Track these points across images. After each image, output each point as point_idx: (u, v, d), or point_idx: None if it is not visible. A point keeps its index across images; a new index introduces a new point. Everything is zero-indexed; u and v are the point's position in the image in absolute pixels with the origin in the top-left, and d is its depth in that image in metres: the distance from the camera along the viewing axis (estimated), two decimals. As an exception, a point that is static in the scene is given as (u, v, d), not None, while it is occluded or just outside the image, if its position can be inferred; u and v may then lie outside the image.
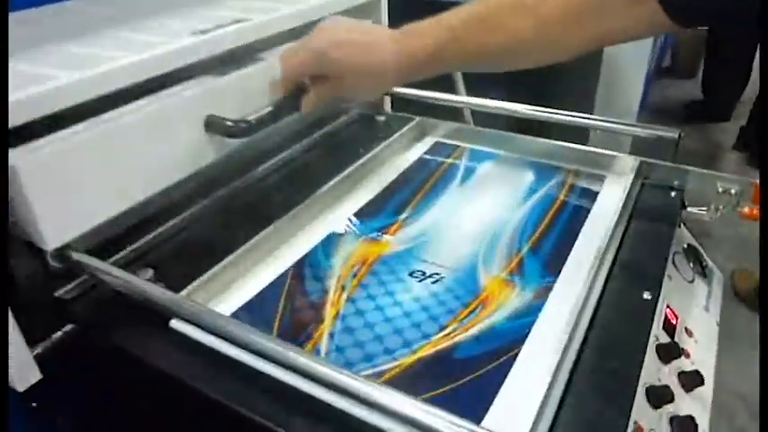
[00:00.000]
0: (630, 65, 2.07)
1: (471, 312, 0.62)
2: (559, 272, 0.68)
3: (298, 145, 0.93)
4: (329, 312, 0.63)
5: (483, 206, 0.81)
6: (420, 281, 0.67)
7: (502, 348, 0.58)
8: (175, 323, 0.57)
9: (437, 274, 0.68)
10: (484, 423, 0.51)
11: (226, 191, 0.81)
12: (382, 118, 1.02)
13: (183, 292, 0.61)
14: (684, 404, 0.63)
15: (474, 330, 0.60)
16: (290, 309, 0.63)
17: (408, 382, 0.54)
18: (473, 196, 0.84)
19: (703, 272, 0.84)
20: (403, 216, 0.79)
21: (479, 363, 0.56)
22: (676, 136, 0.81)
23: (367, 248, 0.73)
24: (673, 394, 0.60)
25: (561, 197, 0.82)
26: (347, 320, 0.62)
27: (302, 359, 0.49)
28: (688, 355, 0.69)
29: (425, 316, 0.62)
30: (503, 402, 0.53)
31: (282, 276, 0.68)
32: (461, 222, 0.78)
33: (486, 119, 1.00)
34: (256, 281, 0.68)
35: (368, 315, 0.62)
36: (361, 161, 0.87)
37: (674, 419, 0.61)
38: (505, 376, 0.55)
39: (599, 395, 0.53)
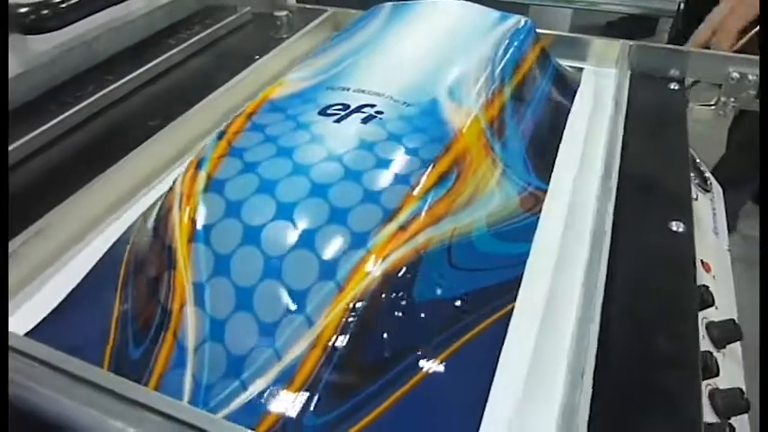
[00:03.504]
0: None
1: (443, 178, 0.36)
2: (548, 177, 0.47)
3: (163, 55, 0.65)
4: (179, 233, 0.35)
5: (429, 38, 0.53)
6: (339, 119, 0.39)
7: (488, 292, 0.36)
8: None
9: (371, 106, 0.41)
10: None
11: (44, 126, 0.53)
12: (283, 13, 0.75)
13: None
14: (722, 369, 0.46)
15: (443, 232, 0.35)
16: (134, 281, 0.37)
17: (329, 380, 0.31)
18: (411, 30, 0.54)
19: (705, 186, 0.66)
20: (310, 57, 0.51)
21: (454, 319, 0.34)
22: (675, 7, 0.60)
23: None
24: (717, 364, 0.43)
25: (530, 59, 0.55)
26: (214, 235, 0.34)
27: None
28: (713, 300, 0.51)
29: (357, 193, 0.34)
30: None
31: (126, 239, 0.42)
32: (404, 48, 0.51)
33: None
34: (84, 256, 0.42)
35: (247, 211, 0.34)
36: (244, 73, 0.60)
37: (715, 394, 0.43)
38: (497, 358, 0.33)
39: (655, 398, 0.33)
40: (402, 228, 0.33)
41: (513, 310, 0.36)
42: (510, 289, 0.37)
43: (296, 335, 0.32)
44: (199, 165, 0.38)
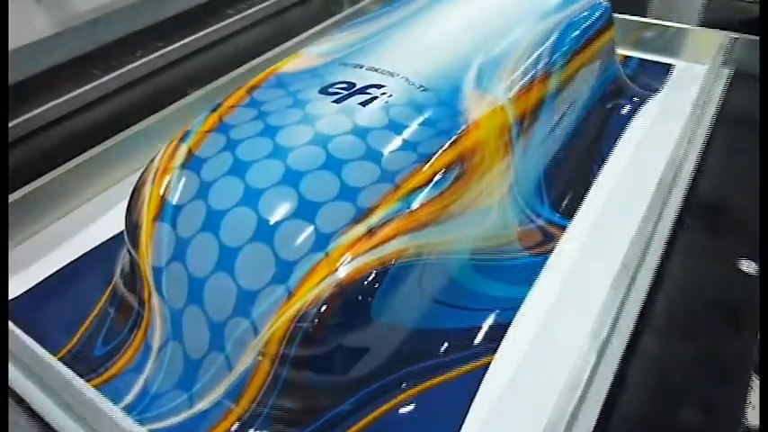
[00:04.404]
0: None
1: (438, 179, 0.30)
2: (572, 210, 0.39)
3: (216, 25, 0.64)
4: (146, 210, 0.31)
5: (477, 16, 0.45)
6: (340, 99, 0.34)
7: (459, 336, 0.30)
8: None
9: (378, 86, 0.35)
10: None
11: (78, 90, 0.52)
12: (346, -11, 0.72)
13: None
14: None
15: (419, 245, 0.29)
16: (126, 264, 0.35)
17: (273, 407, 0.28)
18: (460, 5, 0.47)
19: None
20: (339, 31, 0.46)
21: (411, 358, 0.29)
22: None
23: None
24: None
25: (590, 51, 0.45)
26: (178, 216, 0.30)
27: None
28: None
29: (333, 185, 0.29)
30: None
31: None
32: (445, 25, 0.44)
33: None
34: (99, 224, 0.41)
35: (214, 193, 0.30)
36: (286, 45, 0.57)
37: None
38: (462, 419, 0.28)
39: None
40: (371, 231, 0.28)
41: (488, 364, 0.30)
42: (490, 339, 0.31)
43: (242, 343, 0.28)
44: (183, 138, 0.35)
